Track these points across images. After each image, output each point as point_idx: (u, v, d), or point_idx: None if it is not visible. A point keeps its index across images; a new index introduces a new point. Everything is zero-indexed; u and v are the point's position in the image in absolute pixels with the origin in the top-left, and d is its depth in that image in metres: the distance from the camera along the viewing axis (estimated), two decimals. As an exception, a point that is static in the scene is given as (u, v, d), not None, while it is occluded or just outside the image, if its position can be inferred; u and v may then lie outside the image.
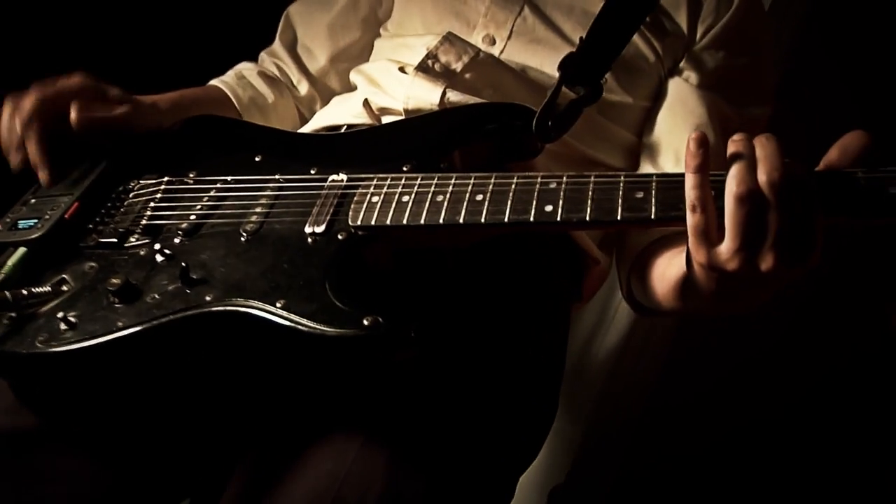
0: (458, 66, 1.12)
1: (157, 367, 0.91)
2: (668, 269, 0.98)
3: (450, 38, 1.13)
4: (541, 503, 1.56)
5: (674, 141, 1.15)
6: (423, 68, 1.11)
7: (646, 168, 1.16)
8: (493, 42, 1.18)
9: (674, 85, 1.17)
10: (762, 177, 0.72)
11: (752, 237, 0.73)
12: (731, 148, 0.76)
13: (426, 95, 1.09)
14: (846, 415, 1.92)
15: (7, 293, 0.89)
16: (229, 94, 1.29)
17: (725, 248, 0.75)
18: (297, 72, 1.36)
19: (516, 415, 1.00)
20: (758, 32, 1.21)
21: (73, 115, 1.01)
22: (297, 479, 0.88)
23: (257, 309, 0.83)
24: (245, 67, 1.36)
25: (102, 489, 0.93)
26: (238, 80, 1.31)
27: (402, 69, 1.13)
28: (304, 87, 1.36)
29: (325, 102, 1.33)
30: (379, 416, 0.91)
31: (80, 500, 0.92)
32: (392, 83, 1.14)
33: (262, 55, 1.39)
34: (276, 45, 1.38)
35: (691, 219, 0.76)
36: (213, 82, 1.32)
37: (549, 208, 0.84)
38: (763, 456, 1.96)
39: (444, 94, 1.09)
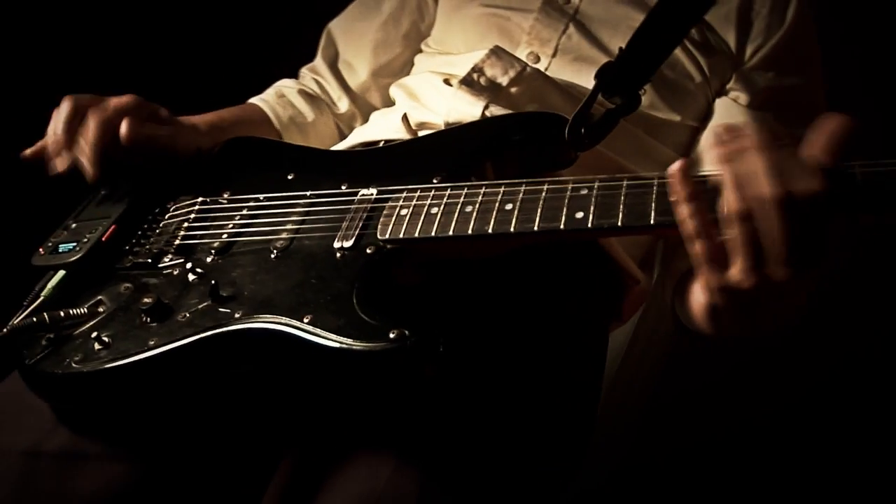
0: (503, 80, 1.09)
1: (189, 382, 0.90)
2: (697, 294, 0.92)
3: (497, 52, 1.11)
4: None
5: None
6: (468, 82, 1.09)
7: None
8: (538, 60, 1.16)
9: (721, 104, 1.15)
10: (757, 191, 0.68)
11: (757, 251, 0.69)
12: (717, 152, 0.71)
13: (468, 109, 1.07)
14: (849, 414, 1.87)
15: (45, 314, 0.90)
16: (269, 113, 1.29)
17: (737, 268, 0.72)
18: (337, 88, 1.35)
19: (551, 437, 0.97)
20: (809, 52, 1.18)
21: (123, 129, 1.02)
22: (328, 500, 0.86)
23: (284, 325, 0.82)
24: (285, 86, 1.36)
25: (143, 502, 0.93)
26: (278, 99, 1.32)
27: (446, 81, 1.12)
28: (344, 104, 1.35)
29: (365, 119, 1.32)
30: (411, 436, 0.89)
31: None
32: (433, 96, 1.13)
33: (303, 71, 1.39)
34: (318, 62, 1.38)
35: (692, 249, 0.73)
36: (253, 101, 1.33)
37: (580, 215, 0.81)
38: (766, 456, 1.92)
39: (485, 108, 1.07)
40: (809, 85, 1.16)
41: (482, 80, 1.09)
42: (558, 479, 0.99)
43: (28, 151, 1.07)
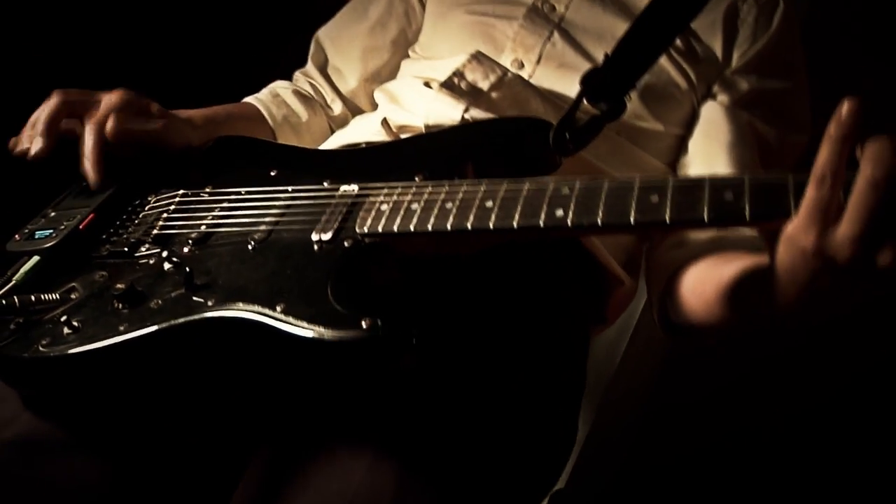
0: (484, 85, 1.09)
1: (161, 371, 0.89)
2: (723, 271, 0.87)
3: (478, 57, 1.12)
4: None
5: (708, 162, 1.11)
6: (449, 85, 1.09)
7: None
8: (522, 66, 1.16)
9: (706, 108, 1.15)
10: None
11: (878, 225, 0.63)
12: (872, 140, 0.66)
13: (447, 112, 1.07)
14: (850, 422, 1.87)
15: (14, 298, 0.89)
16: (263, 111, 1.30)
17: (843, 232, 0.64)
18: (330, 91, 1.36)
19: (530, 435, 0.95)
20: (794, 58, 1.18)
21: (109, 125, 1.01)
22: (301, 499, 0.84)
23: (256, 313, 0.81)
24: (280, 86, 1.36)
25: (110, 493, 0.91)
26: (273, 98, 1.32)
27: (426, 84, 1.12)
28: (337, 107, 1.36)
29: None
30: (386, 433, 0.87)
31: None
32: (414, 98, 1.13)
33: (297, 74, 1.40)
34: (309, 67, 1.39)
35: (815, 191, 0.65)
36: (248, 99, 1.33)
37: (559, 212, 0.80)
38: (763, 459, 1.91)
39: (465, 111, 1.07)
40: (794, 90, 1.16)
41: (462, 84, 1.09)
42: (540, 477, 0.98)
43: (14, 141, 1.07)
